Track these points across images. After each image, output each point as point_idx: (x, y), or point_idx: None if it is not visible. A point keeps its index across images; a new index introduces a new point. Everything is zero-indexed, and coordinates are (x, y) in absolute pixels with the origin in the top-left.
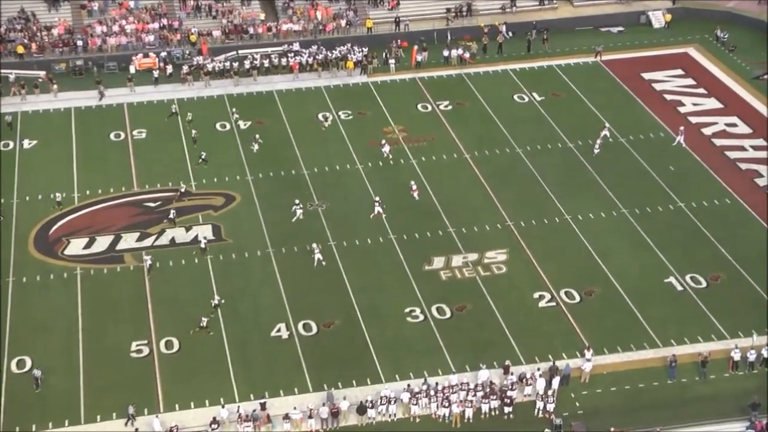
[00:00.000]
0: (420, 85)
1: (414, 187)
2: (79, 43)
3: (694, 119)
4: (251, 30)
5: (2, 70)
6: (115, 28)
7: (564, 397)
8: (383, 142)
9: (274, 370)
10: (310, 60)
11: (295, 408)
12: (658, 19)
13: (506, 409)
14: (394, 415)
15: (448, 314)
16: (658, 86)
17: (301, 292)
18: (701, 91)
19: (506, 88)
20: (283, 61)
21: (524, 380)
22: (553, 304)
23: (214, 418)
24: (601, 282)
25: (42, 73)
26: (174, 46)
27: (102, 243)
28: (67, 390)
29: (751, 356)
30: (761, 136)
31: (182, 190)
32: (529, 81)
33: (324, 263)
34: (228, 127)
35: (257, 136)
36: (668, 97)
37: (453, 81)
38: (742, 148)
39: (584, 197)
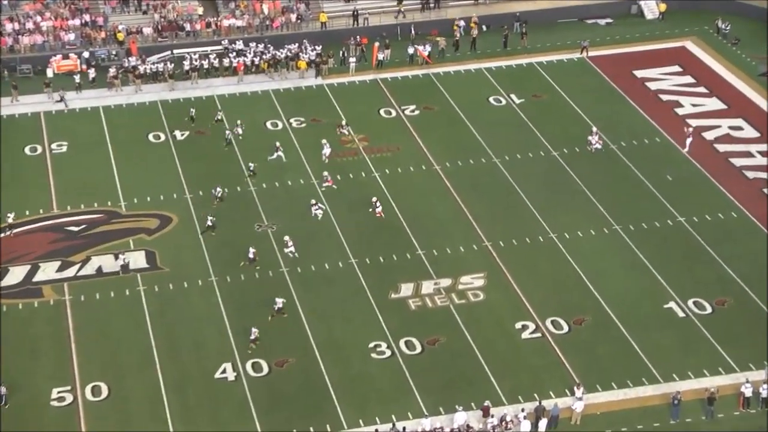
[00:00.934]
0: (382, 87)
1: (378, 206)
2: None
3: (694, 122)
4: (188, 26)
5: None
6: (29, 25)
7: None
8: (324, 142)
9: (219, 417)
10: (257, 60)
11: None
12: (652, 9)
13: None
14: None
15: (419, 349)
16: (652, 85)
17: (249, 325)
18: (701, 90)
19: (481, 90)
20: (225, 61)
21: (506, 423)
22: (538, 335)
23: None
24: (592, 309)
25: None
26: (98, 46)
27: (17, 274)
28: None
29: (764, 392)
30: None
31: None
32: (506, 81)
33: (296, 255)
34: (163, 138)
35: (278, 143)
36: (664, 97)
37: (420, 82)
38: (749, 154)
39: (571, 212)
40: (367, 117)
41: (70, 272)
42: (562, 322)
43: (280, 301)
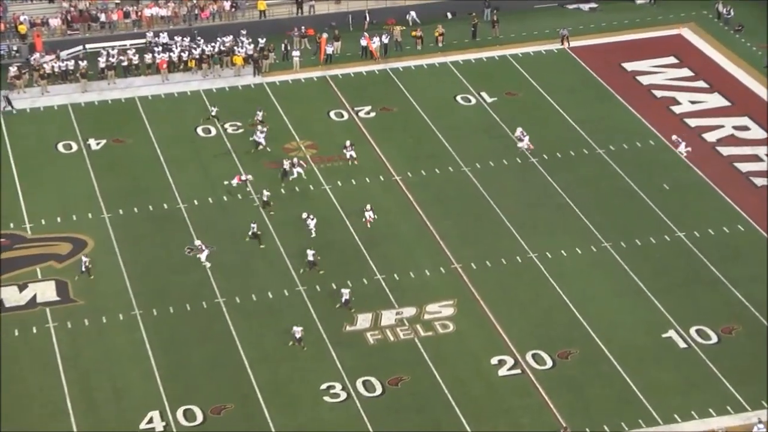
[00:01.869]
0: (332, 85)
1: (369, 216)
2: None
3: (692, 121)
4: (103, 17)
5: None
6: None
7: None
8: (295, 161)
9: None
10: (184, 56)
11: None
12: None
13: None
14: None
15: (379, 390)
16: (644, 79)
17: (180, 366)
18: (701, 84)
19: (447, 87)
20: (148, 58)
21: None
22: (518, 371)
23: None
24: (579, 340)
25: None
26: None
27: None
28: None
29: None
30: None
31: None
32: (476, 77)
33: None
34: (75, 148)
35: (296, 160)
36: (658, 93)
37: (376, 79)
38: (757, 158)
39: (554, 228)
40: (315, 120)
41: None
42: (545, 356)
43: (299, 330)
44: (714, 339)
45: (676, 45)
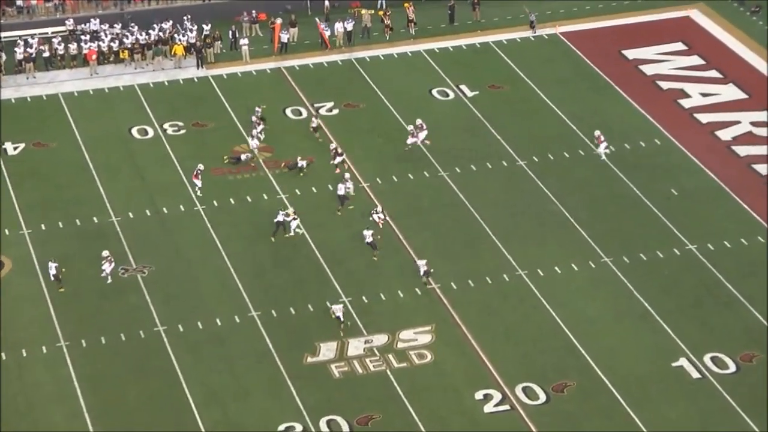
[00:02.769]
0: (288, 78)
1: (379, 217)
2: None
3: (704, 117)
4: (20, 1)
5: None
6: None
7: None
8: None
9: None
10: (115, 45)
11: None
12: None
13: None
14: None
15: (346, 431)
16: (648, 69)
17: (114, 406)
18: (713, 74)
19: (421, 80)
20: (73, 48)
21: None
22: (506, 407)
23: None
24: (576, 371)
25: None
26: None
27: None
28: None
29: None
30: None
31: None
32: (454, 67)
33: None
34: None
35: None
36: (664, 84)
37: (338, 71)
38: None
39: (546, 242)
40: (268, 119)
41: None
42: (538, 389)
43: (339, 308)
44: (732, 368)
45: (684, 29)
